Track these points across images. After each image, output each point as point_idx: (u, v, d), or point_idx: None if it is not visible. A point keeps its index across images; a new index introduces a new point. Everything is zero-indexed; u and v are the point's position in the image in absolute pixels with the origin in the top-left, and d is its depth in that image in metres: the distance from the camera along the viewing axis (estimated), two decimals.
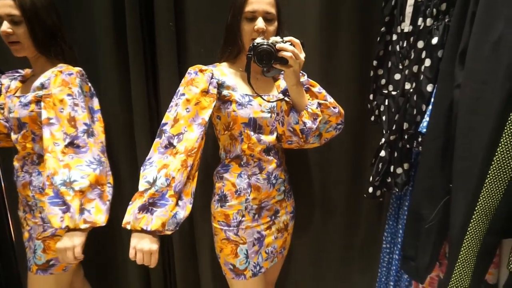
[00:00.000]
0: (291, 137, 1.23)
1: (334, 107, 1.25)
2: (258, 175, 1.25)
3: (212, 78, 1.20)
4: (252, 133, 1.21)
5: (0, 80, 1.34)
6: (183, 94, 1.16)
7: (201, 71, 1.20)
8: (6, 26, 1.18)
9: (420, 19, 1.21)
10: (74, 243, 1.09)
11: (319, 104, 1.22)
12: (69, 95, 1.19)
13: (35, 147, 1.25)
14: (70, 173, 1.12)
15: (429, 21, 1.17)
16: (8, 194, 1.59)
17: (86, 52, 1.47)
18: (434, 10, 1.14)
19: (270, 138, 1.24)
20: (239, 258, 1.26)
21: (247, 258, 1.26)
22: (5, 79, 1.34)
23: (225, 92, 1.21)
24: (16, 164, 1.31)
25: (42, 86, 1.22)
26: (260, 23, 1.16)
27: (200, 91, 1.16)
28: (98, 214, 1.14)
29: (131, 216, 1.03)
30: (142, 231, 1.03)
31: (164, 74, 1.48)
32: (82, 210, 1.11)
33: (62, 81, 1.20)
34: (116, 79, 1.48)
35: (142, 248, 1.02)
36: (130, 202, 1.05)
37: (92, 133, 1.22)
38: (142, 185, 1.05)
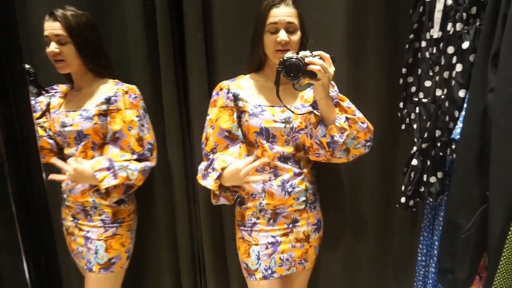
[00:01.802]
0: (318, 150, 1.23)
1: (362, 122, 1.23)
2: (273, 181, 1.29)
3: (228, 93, 1.32)
4: (264, 141, 1.28)
5: (37, 99, 1.42)
6: (208, 115, 1.35)
7: (220, 89, 1.34)
8: (53, 46, 1.28)
9: (450, 24, 1.19)
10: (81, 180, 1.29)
11: (347, 119, 1.20)
12: (137, 116, 1.36)
13: (95, 155, 1.37)
14: (130, 163, 1.33)
15: (459, 26, 1.15)
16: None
17: (119, 64, 1.54)
18: (464, 14, 1.12)
19: (285, 148, 1.28)
20: (251, 258, 1.32)
21: (258, 260, 1.31)
22: (42, 97, 1.42)
23: (240, 103, 1.31)
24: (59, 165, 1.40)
25: (107, 101, 1.35)
26: (282, 35, 1.20)
27: (219, 107, 1.32)
28: (112, 195, 1.34)
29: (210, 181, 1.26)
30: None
31: (194, 84, 1.53)
32: (108, 184, 1.28)
33: (130, 104, 1.36)
34: (148, 90, 1.54)
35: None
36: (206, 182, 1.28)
37: (153, 149, 1.42)
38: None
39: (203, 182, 1.30)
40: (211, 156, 1.32)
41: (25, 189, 0.49)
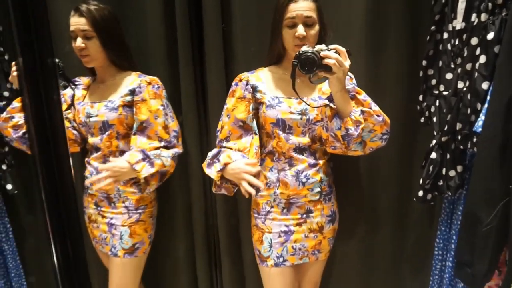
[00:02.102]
0: (334, 143, 1.24)
1: (378, 115, 1.22)
2: (287, 171, 1.32)
3: (247, 84, 1.35)
4: (280, 132, 1.31)
5: (64, 91, 1.45)
6: (226, 104, 1.39)
7: (240, 80, 1.37)
8: (80, 41, 1.32)
9: (474, 15, 1.17)
10: (121, 177, 1.32)
11: (362, 112, 1.20)
12: (161, 105, 1.42)
13: (119, 144, 1.42)
14: (162, 151, 1.39)
15: (483, 16, 1.13)
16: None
17: (138, 58, 1.56)
18: (490, 4, 1.10)
19: (301, 139, 1.30)
20: (264, 245, 1.36)
21: (270, 247, 1.35)
22: (66, 90, 1.45)
23: (258, 95, 1.34)
24: (94, 162, 1.43)
25: (132, 93, 1.39)
26: (300, 29, 1.21)
27: (236, 98, 1.35)
28: (151, 183, 1.38)
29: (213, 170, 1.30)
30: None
31: (213, 77, 1.55)
32: (147, 173, 1.33)
33: (154, 94, 1.41)
34: (166, 84, 1.55)
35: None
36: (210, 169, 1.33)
37: (179, 136, 1.48)
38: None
39: (206, 170, 1.35)
40: (224, 144, 1.37)
41: (54, 178, 0.51)
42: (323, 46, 1.12)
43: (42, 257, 1.87)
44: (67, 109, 1.42)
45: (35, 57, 0.47)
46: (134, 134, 1.39)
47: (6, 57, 1.62)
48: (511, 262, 0.90)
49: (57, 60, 1.32)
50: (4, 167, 1.65)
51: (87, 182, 1.43)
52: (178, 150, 1.46)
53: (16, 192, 1.67)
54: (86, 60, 1.36)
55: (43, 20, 0.47)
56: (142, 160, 1.33)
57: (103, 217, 1.46)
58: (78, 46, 1.32)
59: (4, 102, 1.61)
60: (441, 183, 1.35)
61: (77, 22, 1.31)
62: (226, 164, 1.28)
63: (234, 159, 1.28)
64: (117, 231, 1.43)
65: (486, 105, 1.11)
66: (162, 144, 1.41)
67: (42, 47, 0.47)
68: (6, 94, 1.62)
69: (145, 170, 1.33)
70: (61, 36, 1.42)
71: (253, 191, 1.23)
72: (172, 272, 1.79)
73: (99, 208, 1.46)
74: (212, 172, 1.32)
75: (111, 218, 1.44)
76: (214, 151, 1.37)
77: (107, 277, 1.49)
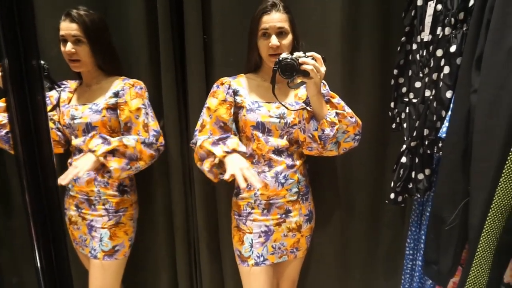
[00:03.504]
0: (311, 144, 1.32)
1: (351, 117, 1.33)
2: (267, 173, 1.38)
3: (229, 88, 1.41)
4: (260, 134, 1.37)
5: (47, 94, 1.46)
6: (206, 104, 1.43)
7: (221, 83, 1.42)
8: (70, 46, 1.34)
9: (439, 28, 1.24)
10: (83, 166, 1.27)
11: (337, 114, 1.30)
12: (142, 104, 1.44)
13: None
14: (126, 136, 1.39)
15: (447, 30, 1.20)
16: None
17: (122, 63, 1.59)
18: (452, 19, 1.17)
19: (279, 141, 1.37)
20: (245, 245, 1.40)
21: (251, 247, 1.39)
22: (52, 92, 1.47)
23: (238, 99, 1.40)
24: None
25: (115, 95, 1.43)
26: (273, 40, 1.30)
27: (219, 100, 1.40)
28: (115, 163, 1.33)
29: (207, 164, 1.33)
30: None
31: (193, 83, 1.59)
32: (109, 152, 1.31)
33: (136, 94, 1.44)
34: (149, 88, 1.58)
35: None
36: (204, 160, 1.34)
37: (159, 136, 1.47)
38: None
39: (210, 147, 1.32)
40: (218, 134, 1.38)
41: (38, 179, 0.51)
42: (301, 53, 1.21)
43: (19, 263, 1.85)
44: (51, 110, 1.43)
45: (20, 58, 0.47)
46: (122, 134, 1.44)
47: None
48: (469, 256, 0.96)
49: (42, 62, 1.34)
50: None
51: (61, 182, 1.35)
52: (151, 140, 1.43)
53: None
54: (75, 65, 1.39)
55: (29, 22, 0.48)
56: (101, 143, 1.33)
57: (84, 219, 1.47)
58: (68, 51, 1.34)
59: None
60: (410, 185, 1.41)
61: (68, 27, 1.33)
62: (234, 150, 1.29)
63: (241, 149, 1.32)
64: (97, 233, 1.45)
65: (450, 112, 1.18)
66: (141, 141, 1.41)
67: (28, 49, 0.48)
68: None
69: (102, 148, 1.30)
70: (44, 39, 1.43)
71: (244, 185, 1.23)
72: (152, 272, 1.81)
73: (79, 210, 1.47)
74: (217, 150, 1.30)
75: (91, 220, 1.46)
76: (220, 135, 1.37)
77: (87, 279, 1.50)
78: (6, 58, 0.47)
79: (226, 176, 1.21)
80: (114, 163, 1.33)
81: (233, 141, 1.34)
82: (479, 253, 0.92)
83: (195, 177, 1.65)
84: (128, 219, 1.50)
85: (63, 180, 1.23)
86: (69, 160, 1.50)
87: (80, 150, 1.45)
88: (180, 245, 1.72)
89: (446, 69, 1.20)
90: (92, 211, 1.46)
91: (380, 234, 1.74)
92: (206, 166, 1.34)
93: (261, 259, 1.39)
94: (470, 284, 0.94)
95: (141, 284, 1.83)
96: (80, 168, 1.26)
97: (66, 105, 1.46)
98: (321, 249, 1.73)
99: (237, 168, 1.22)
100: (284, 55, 1.21)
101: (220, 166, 1.35)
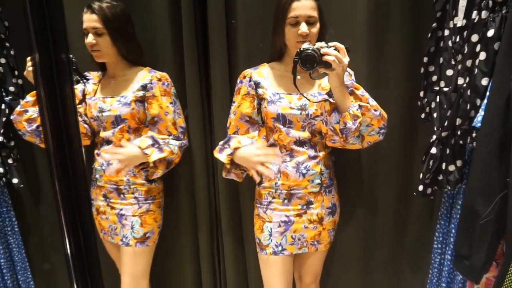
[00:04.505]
0: (333, 136, 1.28)
1: (375, 110, 1.26)
2: (288, 163, 1.36)
3: (250, 81, 1.40)
4: (281, 126, 1.35)
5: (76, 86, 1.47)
6: (233, 102, 1.45)
7: (244, 77, 1.43)
8: (91, 38, 1.36)
9: (475, 12, 1.19)
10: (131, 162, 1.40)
11: (360, 106, 1.24)
12: (171, 103, 1.47)
13: (130, 138, 1.46)
14: (170, 140, 1.46)
15: (484, 14, 1.14)
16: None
17: (145, 54, 1.58)
18: (490, 2, 1.11)
19: (301, 133, 1.35)
20: (264, 234, 1.40)
21: (270, 236, 1.39)
22: (77, 84, 1.48)
23: (260, 91, 1.39)
24: (106, 154, 1.47)
25: (143, 88, 1.44)
26: (303, 27, 1.25)
27: (241, 95, 1.42)
28: (159, 169, 1.45)
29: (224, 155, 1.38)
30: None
31: (216, 73, 1.57)
32: (157, 157, 1.40)
33: (164, 91, 1.46)
34: (173, 77, 1.57)
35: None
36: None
37: (185, 132, 1.54)
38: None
39: (217, 155, 1.42)
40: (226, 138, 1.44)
41: (68, 170, 0.51)
42: (323, 44, 1.17)
43: (47, 251, 1.90)
44: (79, 104, 1.45)
45: (50, 52, 0.47)
46: (147, 126, 1.47)
47: (12, 52, 1.64)
48: (507, 253, 0.92)
49: (70, 55, 1.34)
50: (10, 161, 1.67)
51: (104, 156, 1.46)
52: (185, 141, 1.53)
53: (22, 186, 1.70)
54: (97, 55, 1.40)
55: (59, 17, 0.48)
56: (152, 145, 1.39)
57: (113, 208, 1.49)
58: (89, 43, 1.36)
59: (10, 97, 1.63)
60: (441, 177, 1.37)
61: (89, 19, 1.35)
62: (236, 149, 1.35)
63: (244, 144, 1.35)
64: (128, 221, 1.47)
65: (485, 101, 1.13)
66: (171, 137, 1.48)
67: (57, 43, 0.48)
68: (12, 89, 1.64)
69: (154, 155, 1.38)
70: (74, 32, 1.44)
71: (258, 179, 1.32)
72: (176, 260, 1.82)
73: (108, 199, 1.49)
74: (222, 156, 1.39)
75: (121, 209, 1.48)
76: (226, 138, 1.44)
77: (112, 268, 1.52)
78: (36, 52, 0.47)
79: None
80: (160, 170, 1.45)
81: (234, 141, 1.38)
82: None
83: (218, 167, 1.64)
84: (156, 206, 1.52)
85: (108, 155, 1.41)
86: (96, 151, 1.51)
87: (108, 142, 1.47)
88: (204, 235, 1.72)
89: (482, 55, 1.14)
90: (122, 200, 1.48)
91: (406, 227, 1.70)
92: (223, 174, 1.46)
93: (279, 248, 1.38)
94: (510, 281, 0.90)
95: (166, 271, 1.85)
96: (129, 163, 1.39)
97: (92, 97, 1.48)
98: (345, 242, 1.70)
99: (250, 164, 1.33)
100: (305, 45, 1.17)
101: (238, 166, 1.41)
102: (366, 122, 1.26)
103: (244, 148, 1.35)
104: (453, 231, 1.39)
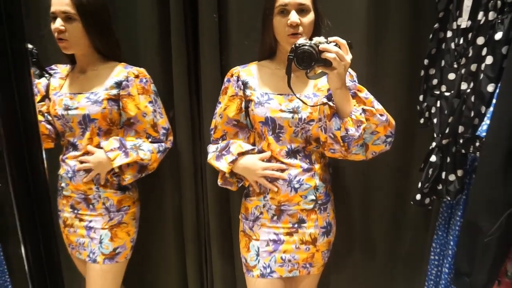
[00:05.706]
0: (333, 145, 1.12)
1: (381, 115, 1.09)
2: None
3: (238, 80, 1.27)
4: (270, 132, 1.21)
5: (37, 80, 1.34)
6: (219, 103, 1.32)
7: (231, 75, 1.29)
8: (59, 23, 1.19)
9: (481, 13, 1.11)
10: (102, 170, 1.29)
11: (364, 111, 1.08)
12: (150, 102, 1.33)
13: (101, 141, 1.31)
14: (143, 143, 1.33)
15: (491, 15, 1.07)
16: None
17: (129, 48, 1.49)
18: (499, 2, 1.04)
19: (293, 141, 1.21)
20: (250, 253, 1.27)
21: (257, 256, 1.26)
22: (41, 79, 1.34)
23: (247, 92, 1.25)
24: (71, 161, 1.32)
25: (118, 85, 1.29)
26: (293, 16, 1.11)
27: (228, 96, 1.28)
28: (126, 174, 1.32)
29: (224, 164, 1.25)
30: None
31: (206, 68, 1.49)
32: (120, 162, 1.28)
33: (142, 88, 1.32)
34: (158, 74, 1.49)
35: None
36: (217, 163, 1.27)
37: (168, 134, 1.39)
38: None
39: (216, 163, 1.27)
40: (223, 143, 1.30)
41: (26, 176, 0.47)
42: (321, 39, 1.02)
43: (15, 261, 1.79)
44: (40, 101, 1.31)
45: (5, 42, 0.43)
46: (121, 127, 1.34)
47: None
48: None
49: (30, 46, 1.20)
50: None
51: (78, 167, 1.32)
52: (165, 144, 1.38)
53: None
54: (64, 45, 1.23)
55: (15, 1, 0.43)
56: (118, 148, 1.28)
57: (81, 220, 1.35)
58: (57, 28, 1.19)
59: None
60: (440, 187, 1.30)
61: (58, 2, 1.18)
62: (239, 154, 1.23)
63: (245, 149, 1.23)
64: (96, 235, 1.33)
65: (491, 109, 1.06)
66: (150, 140, 1.35)
67: (13, 33, 0.43)
68: None
69: (118, 160, 1.26)
70: (37, 20, 1.33)
71: (274, 187, 1.22)
72: (160, 275, 1.74)
73: (76, 211, 1.35)
74: (222, 164, 1.24)
75: (90, 221, 1.34)
76: (222, 144, 1.30)
77: (83, 286, 1.41)
78: None
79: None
80: (128, 175, 1.32)
81: (235, 146, 1.25)
82: None
83: (207, 173, 1.56)
84: (130, 218, 1.38)
85: (73, 163, 1.29)
86: (61, 157, 1.36)
87: (74, 146, 1.32)
88: (190, 246, 1.64)
89: (489, 59, 1.07)
90: (91, 211, 1.34)
91: (402, 237, 1.64)
92: (219, 183, 1.31)
93: (268, 270, 1.24)
94: None
95: (150, 284, 1.76)
96: (99, 170, 1.28)
97: (57, 93, 1.32)
98: (338, 251, 1.62)
99: (253, 177, 1.22)
100: (301, 40, 1.02)
101: (234, 174, 1.28)
102: (370, 129, 1.09)
103: (247, 157, 1.22)
104: (451, 243, 1.32)
